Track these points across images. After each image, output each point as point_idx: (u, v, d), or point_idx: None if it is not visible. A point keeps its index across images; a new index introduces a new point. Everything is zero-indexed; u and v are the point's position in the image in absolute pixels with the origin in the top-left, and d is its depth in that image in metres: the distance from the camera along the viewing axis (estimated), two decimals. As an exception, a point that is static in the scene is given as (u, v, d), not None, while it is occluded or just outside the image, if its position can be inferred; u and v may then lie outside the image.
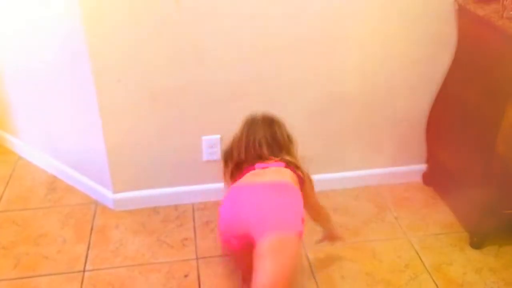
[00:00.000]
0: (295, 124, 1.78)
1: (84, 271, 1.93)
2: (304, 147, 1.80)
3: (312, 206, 1.76)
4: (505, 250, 2.01)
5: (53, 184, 2.38)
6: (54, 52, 2.05)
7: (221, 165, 1.81)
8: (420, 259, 1.98)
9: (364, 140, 2.27)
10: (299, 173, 1.65)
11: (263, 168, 1.63)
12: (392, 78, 2.13)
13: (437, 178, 2.29)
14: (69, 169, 2.35)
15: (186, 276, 1.92)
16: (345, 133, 2.24)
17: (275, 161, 1.65)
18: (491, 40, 1.83)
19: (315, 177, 1.75)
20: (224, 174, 1.78)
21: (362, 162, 2.33)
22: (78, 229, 2.12)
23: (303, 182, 1.66)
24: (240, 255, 1.63)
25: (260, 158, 1.66)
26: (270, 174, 1.61)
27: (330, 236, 1.89)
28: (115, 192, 2.19)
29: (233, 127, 2.10)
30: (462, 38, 2.02)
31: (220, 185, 2.24)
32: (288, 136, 1.75)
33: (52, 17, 1.96)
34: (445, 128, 2.14)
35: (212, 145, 2.14)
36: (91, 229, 2.12)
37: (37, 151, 2.49)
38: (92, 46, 1.88)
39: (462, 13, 1.99)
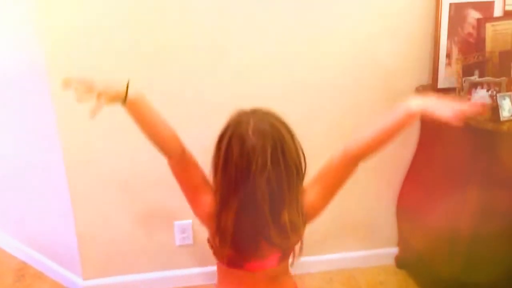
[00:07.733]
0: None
1: None
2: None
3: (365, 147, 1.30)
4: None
5: (22, 270, 2.32)
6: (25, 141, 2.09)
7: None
8: None
9: (338, 222, 2.28)
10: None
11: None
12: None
13: (409, 261, 2.30)
14: (38, 255, 2.31)
15: None
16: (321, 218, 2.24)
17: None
18: (449, 127, 1.90)
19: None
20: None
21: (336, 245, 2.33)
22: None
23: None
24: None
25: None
26: None
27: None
28: (85, 279, 2.14)
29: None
30: (424, 121, 2.10)
31: (194, 270, 2.22)
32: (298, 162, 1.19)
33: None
34: (414, 210, 2.18)
35: (184, 230, 2.14)
36: (59, 320, 2.06)
37: (6, 236, 2.45)
38: (63, 132, 1.92)
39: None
